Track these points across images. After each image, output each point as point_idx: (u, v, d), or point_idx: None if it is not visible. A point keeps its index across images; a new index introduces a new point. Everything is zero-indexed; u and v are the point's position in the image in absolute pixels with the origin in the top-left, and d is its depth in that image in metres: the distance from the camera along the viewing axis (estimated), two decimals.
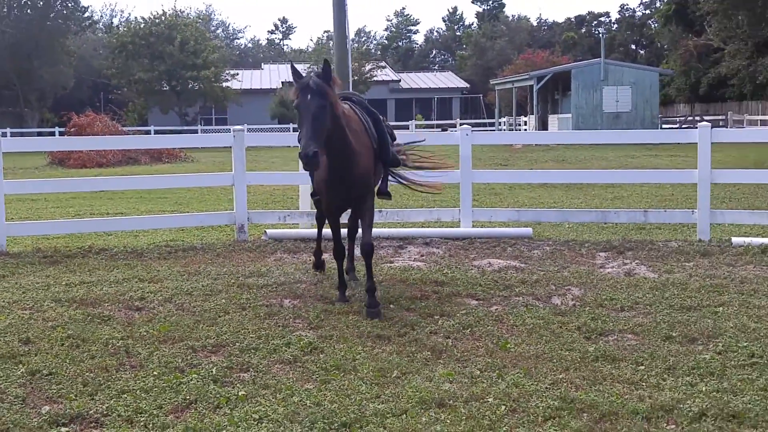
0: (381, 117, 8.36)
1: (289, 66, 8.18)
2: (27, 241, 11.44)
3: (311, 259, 9.72)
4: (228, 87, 58.26)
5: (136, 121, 59.13)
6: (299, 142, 6.98)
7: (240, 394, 5.24)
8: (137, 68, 55.49)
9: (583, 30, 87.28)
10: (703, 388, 5.21)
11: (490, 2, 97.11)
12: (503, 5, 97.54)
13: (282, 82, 61.32)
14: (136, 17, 69.97)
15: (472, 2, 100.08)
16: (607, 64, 44.89)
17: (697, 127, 11.00)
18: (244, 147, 11.28)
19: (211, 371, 5.67)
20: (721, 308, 7.25)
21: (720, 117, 47.58)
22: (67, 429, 4.74)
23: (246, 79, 64.41)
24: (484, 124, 56.44)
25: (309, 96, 6.81)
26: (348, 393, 5.24)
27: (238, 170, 11.22)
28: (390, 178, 8.89)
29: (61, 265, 9.76)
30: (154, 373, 5.68)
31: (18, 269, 9.48)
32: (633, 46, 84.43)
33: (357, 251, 8.76)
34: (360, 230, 8.15)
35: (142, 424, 4.80)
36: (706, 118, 45.77)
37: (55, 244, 11.20)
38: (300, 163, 8.75)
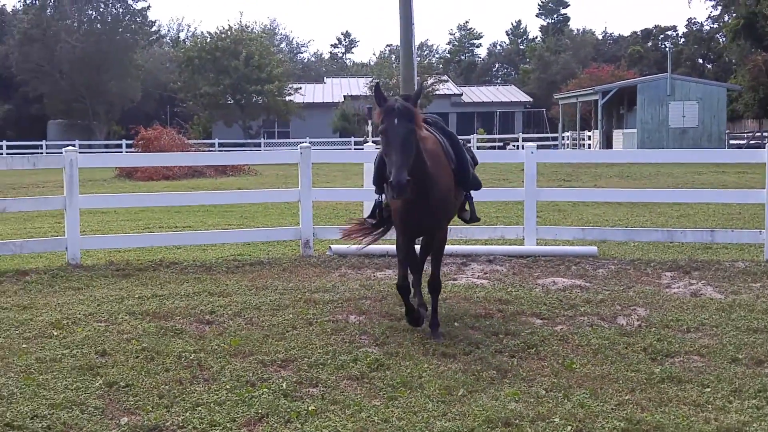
0: (458, 138, 7.99)
1: (372, 87, 8.29)
2: (100, 254, 11.76)
3: (375, 276, 9.88)
4: (291, 101, 58.97)
5: (201, 134, 60.13)
6: (387, 170, 6.56)
7: (310, 408, 5.37)
8: (203, 82, 56.52)
9: (650, 44, 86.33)
10: None
11: (555, 16, 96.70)
12: (568, 19, 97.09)
13: (344, 96, 61.85)
14: (202, 32, 71.10)
15: (537, 15, 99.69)
16: (674, 79, 44.38)
17: (764, 147, 10.87)
18: (310, 164, 11.48)
19: (281, 386, 5.82)
20: None
21: None
22: None
23: (309, 93, 65.05)
24: (547, 138, 56.13)
25: (396, 120, 6.53)
26: (415, 410, 5.34)
27: (305, 186, 11.41)
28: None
29: (133, 278, 10.04)
30: (227, 386, 5.85)
31: (92, 282, 9.78)
32: (700, 61, 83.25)
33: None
34: (429, 263, 7.74)
35: None
36: None
37: (127, 257, 11.51)
38: (366, 178, 8.84)
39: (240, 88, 56.35)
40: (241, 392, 5.70)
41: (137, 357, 6.59)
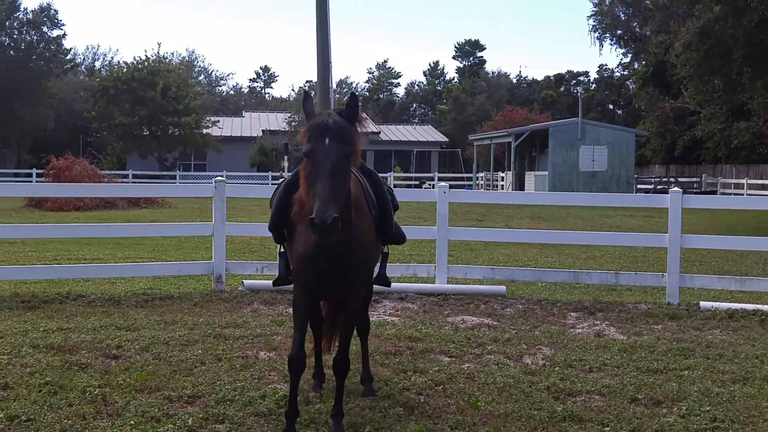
0: (381, 180, 6.42)
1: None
2: (5, 285, 11.48)
3: (287, 312, 9.87)
4: (208, 134, 58.50)
5: (115, 165, 59.13)
6: (311, 199, 4.99)
7: None
8: (118, 112, 55.71)
9: (562, 89, 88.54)
10: None
11: (471, 58, 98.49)
12: (484, 61, 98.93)
13: (263, 130, 61.77)
14: (119, 61, 70.32)
15: (454, 57, 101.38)
16: (585, 124, 45.64)
17: (668, 192, 11.29)
18: (224, 198, 11.46)
19: (187, 422, 5.78)
20: (686, 372, 7.45)
21: (695, 179, 48.37)
22: None
23: (227, 126, 64.73)
24: (462, 179, 57.00)
25: (328, 140, 5.08)
26: None
27: (218, 221, 11.37)
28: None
29: (39, 310, 9.83)
30: (131, 422, 5.78)
31: None
32: (611, 106, 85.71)
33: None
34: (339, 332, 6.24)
35: None
36: (680, 179, 46.59)
37: (33, 289, 11.27)
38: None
39: (156, 119, 55.70)
40: (146, 428, 5.65)
41: (40, 391, 6.46)
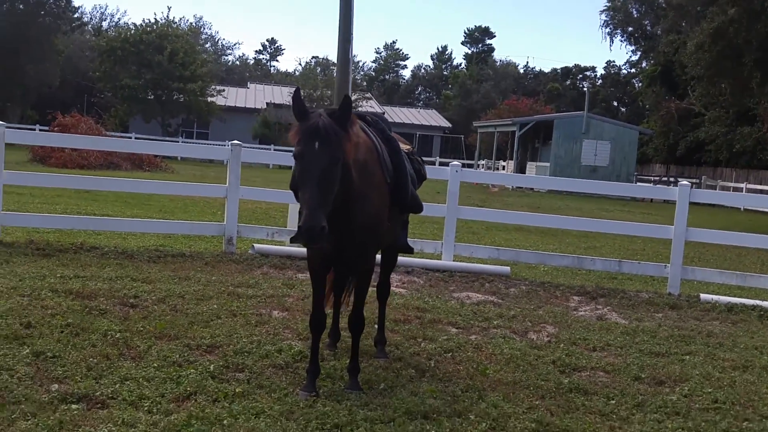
0: (407, 147, 6.66)
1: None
2: (18, 232, 11.64)
3: (297, 277, 10.07)
4: (213, 102, 58.49)
5: (118, 126, 59.09)
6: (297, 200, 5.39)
7: (237, 390, 5.55)
8: (124, 74, 55.62)
9: (568, 82, 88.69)
10: (670, 425, 5.59)
11: (480, 45, 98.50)
12: (493, 49, 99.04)
13: (267, 103, 61.76)
14: (126, 23, 70.08)
15: (462, 43, 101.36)
16: (590, 118, 45.81)
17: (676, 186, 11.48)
18: (239, 161, 11.62)
19: (208, 368, 5.97)
20: (687, 357, 7.66)
21: (694, 180, 48.56)
22: (77, 406, 5.02)
23: (231, 96, 64.68)
24: (463, 165, 57.02)
25: (318, 144, 5.14)
26: (339, 399, 5.58)
27: (233, 184, 11.53)
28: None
29: (54, 258, 10.02)
30: (154, 365, 5.97)
31: (12, 258, 9.74)
32: (615, 103, 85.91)
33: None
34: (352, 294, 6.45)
35: (146, 409, 5.09)
36: (680, 180, 46.73)
37: (47, 238, 11.43)
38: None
39: (162, 83, 55.67)
40: (169, 371, 5.84)
41: (62, 332, 6.65)
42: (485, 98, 77.79)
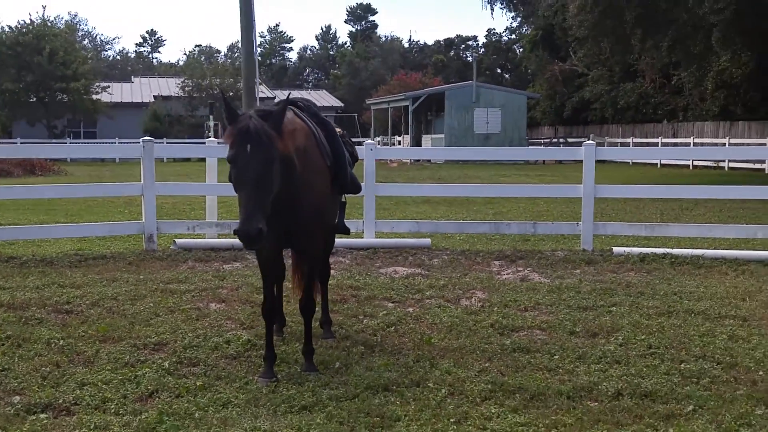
0: (338, 130, 6.80)
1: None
2: None
3: (224, 268, 10.10)
4: (98, 100, 57.07)
5: (1, 133, 57.10)
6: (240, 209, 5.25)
7: (198, 384, 5.61)
8: (3, 78, 53.72)
9: (452, 53, 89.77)
10: (614, 373, 5.91)
11: (363, 22, 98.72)
12: (376, 26, 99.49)
13: (154, 96, 60.68)
14: (2, 26, 67.56)
15: (346, 21, 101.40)
16: (479, 87, 46.60)
17: (581, 146, 11.93)
18: (153, 158, 11.51)
19: (163, 365, 6.00)
20: (614, 308, 8.04)
21: (582, 139, 49.83)
22: (45, 415, 5.00)
23: (116, 92, 63.12)
24: (360, 143, 57.27)
25: (250, 147, 5.11)
26: (299, 381, 5.70)
27: (148, 180, 11.42)
28: None
29: None
30: (107, 368, 5.97)
31: None
32: (499, 70, 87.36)
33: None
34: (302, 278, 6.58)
35: (112, 411, 5.11)
36: (569, 139, 48.09)
37: None
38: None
39: (44, 85, 54.05)
40: (124, 372, 5.85)
41: (3, 344, 6.57)
42: (374, 75, 78.16)
